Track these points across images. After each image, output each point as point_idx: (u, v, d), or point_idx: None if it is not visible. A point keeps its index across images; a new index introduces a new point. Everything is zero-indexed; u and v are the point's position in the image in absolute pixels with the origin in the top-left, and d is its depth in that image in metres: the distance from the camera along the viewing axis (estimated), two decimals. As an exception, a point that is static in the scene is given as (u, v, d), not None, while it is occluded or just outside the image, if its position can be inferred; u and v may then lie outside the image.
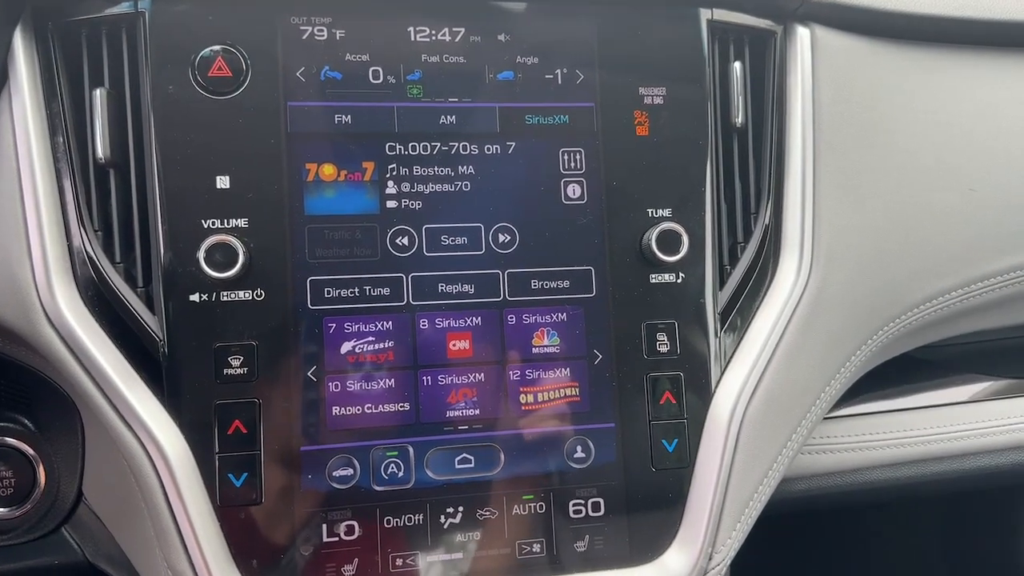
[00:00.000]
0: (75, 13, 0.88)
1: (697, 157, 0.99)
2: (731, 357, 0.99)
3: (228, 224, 0.88)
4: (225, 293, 0.87)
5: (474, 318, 0.92)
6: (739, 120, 1.03)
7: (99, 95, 0.88)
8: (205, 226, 0.87)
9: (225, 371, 0.90)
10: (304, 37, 0.93)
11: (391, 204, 0.96)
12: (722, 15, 1.01)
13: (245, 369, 0.90)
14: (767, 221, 1.03)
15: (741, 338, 1.00)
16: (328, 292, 0.91)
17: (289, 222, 0.89)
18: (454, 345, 0.95)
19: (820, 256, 1.01)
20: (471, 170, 0.95)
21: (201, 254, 0.86)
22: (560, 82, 0.97)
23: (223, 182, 0.89)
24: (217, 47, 0.89)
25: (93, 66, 0.90)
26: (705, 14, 1.00)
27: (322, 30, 0.93)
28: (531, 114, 0.96)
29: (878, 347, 1.11)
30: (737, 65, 1.03)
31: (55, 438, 1.01)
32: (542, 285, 0.95)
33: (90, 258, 0.87)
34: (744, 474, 1.00)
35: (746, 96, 1.03)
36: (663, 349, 0.97)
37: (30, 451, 1.02)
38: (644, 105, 0.98)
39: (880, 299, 1.07)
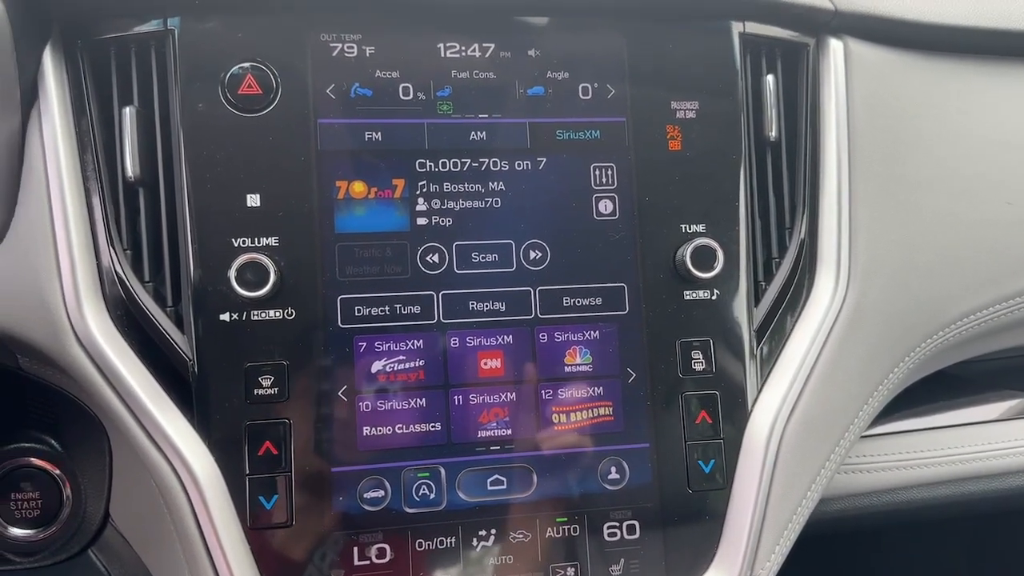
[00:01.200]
0: (104, 31, 0.88)
1: (730, 171, 0.97)
2: (768, 375, 0.97)
3: (259, 243, 0.87)
4: (256, 312, 0.86)
5: (505, 336, 0.90)
6: (772, 134, 1.01)
7: (128, 113, 0.87)
8: (236, 244, 0.86)
9: (256, 391, 0.89)
10: (334, 54, 0.91)
11: (421, 221, 0.94)
12: (754, 28, 1.00)
13: (275, 389, 0.89)
14: (802, 236, 1.01)
15: (778, 356, 0.98)
16: (359, 311, 0.89)
17: (320, 240, 0.88)
18: (485, 364, 0.94)
19: (857, 271, 0.98)
20: (501, 186, 0.93)
21: (232, 273, 0.85)
22: (591, 97, 0.96)
23: (253, 200, 0.88)
24: (247, 64, 0.88)
25: (122, 84, 0.89)
26: (737, 27, 0.99)
27: (352, 47, 0.92)
28: (562, 129, 0.94)
29: (915, 364, 1.08)
30: (770, 78, 1.01)
31: (82, 459, 1.00)
32: (574, 302, 0.93)
33: (119, 277, 0.86)
34: (783, 495, 0.97)
35: (779, 109, 1.02)
36: (698, 368, 0.95)
37: (56, 472, 1.01)
38: (676, 119, 0.97)
39: (917, 315, 1.04)
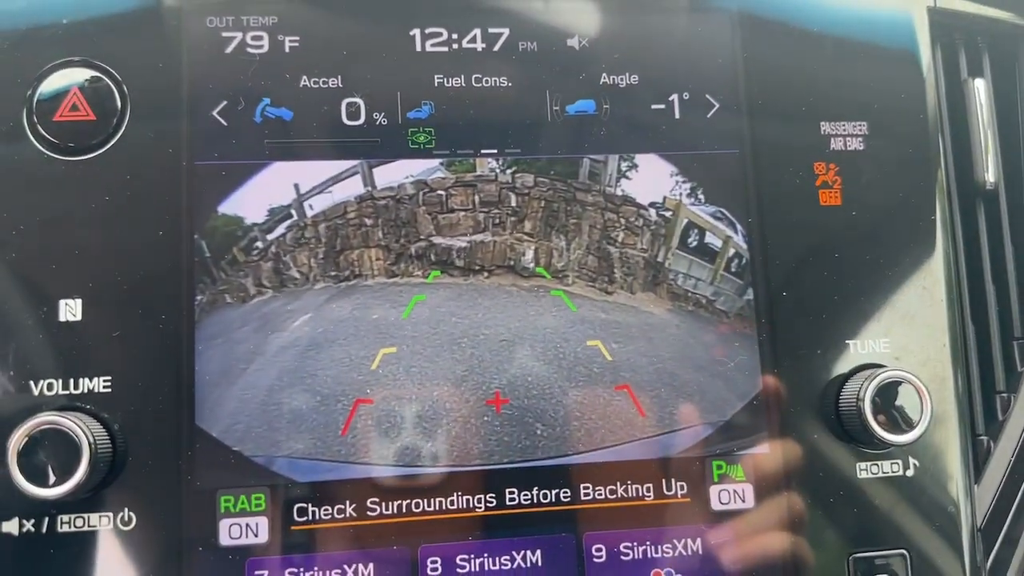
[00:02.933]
0: None
1: (925, 244, 0.65)
2: None
3: (73, 388, 0.54)
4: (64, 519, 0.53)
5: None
6: (988, 175, 0.69)
7: None
8: (32, 392, 0.54)
9: None
10: (228, 50, 0.59)
11: None
12: (949, 2, 0.69)
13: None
14: None
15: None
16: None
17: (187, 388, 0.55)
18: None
19: None
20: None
21: (12, 457, 0.51)
22: (677, 115, 0.62)
23: (69, 312, 0.55)
24: (70, 72, 0.57)
25: None
26: (925, 1, 0.68)
27: (259, 39, 0.59)
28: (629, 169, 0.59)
29: None
30: (978, 84, 0.70)
31: None
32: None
33: None
34: None
35: (995, 136, 0.70)
36: None
37: None
38: (830, 152, 0.63)
39: None
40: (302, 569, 0.54)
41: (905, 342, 0.61)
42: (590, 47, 0.61)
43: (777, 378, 0.59)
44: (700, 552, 0.56)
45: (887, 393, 0.57)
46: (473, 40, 0.60)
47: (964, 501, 0.61)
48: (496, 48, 0.60)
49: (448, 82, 0.60)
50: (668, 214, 0.60)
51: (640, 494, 0.56)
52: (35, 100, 0.57)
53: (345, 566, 0.54)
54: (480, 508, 0.55)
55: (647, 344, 0.58)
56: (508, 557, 0.56)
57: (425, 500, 0.55)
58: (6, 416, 0.52)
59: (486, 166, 0.59)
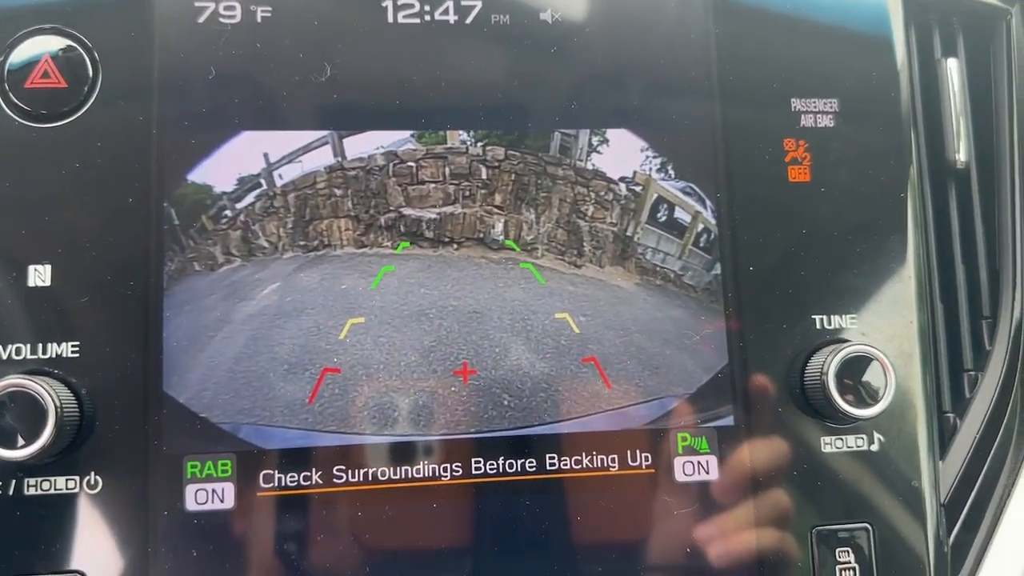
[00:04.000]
0: None
1: (894, 222, 0.64)
2: None
3: (42, 354, 0.54)
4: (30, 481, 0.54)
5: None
6: (960, 155, 0.69)
7: None
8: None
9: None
10: (200, 20, 0.58)
11: None
12: None
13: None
14: (1012, 329, 0.69)
15: (985, 548, 0.63)
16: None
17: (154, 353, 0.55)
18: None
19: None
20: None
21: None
22: (648, 90, 0.62)
23: (39, 277, 0.55)
24: (43, 39, 0.57)
25: None
26: None
27: (232, 7, 0.58)
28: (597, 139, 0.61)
29: None
30: (951, 64, 0.70)
31: None
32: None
33: None
34: None
35: (968, 116, 0.70)
36: None
37: None
38: (801, 129, 0.63)
39: None
40: (268, 535, 0.54)
41: (872, 318, 0.61)
42: (563, 21, 0.61)
43: (743, 352, 0.60)
44: (664, 523, 0.57)
45: (852, 367, 0.58)
46: (445, 12, 0.60)
47: (928, 476, 0.62)
48: (468, 21, 0.60)
49: (420, 54, 0.60)
50: (638, 189, 0.60)
51: (605, 464, 0.57)
52: (6, 68, 0.57)
53: (311, 532, 0.55)
54: (446, 477, 0.56)
55: (615, 317, 0.59)
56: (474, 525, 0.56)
57: (391, 469, 0.55)
58: (-27, 379, 0.53)
59: (457, 138, 0.59)
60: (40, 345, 0.53)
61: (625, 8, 0.62)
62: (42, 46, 0.57)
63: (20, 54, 0.56)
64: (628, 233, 0.60)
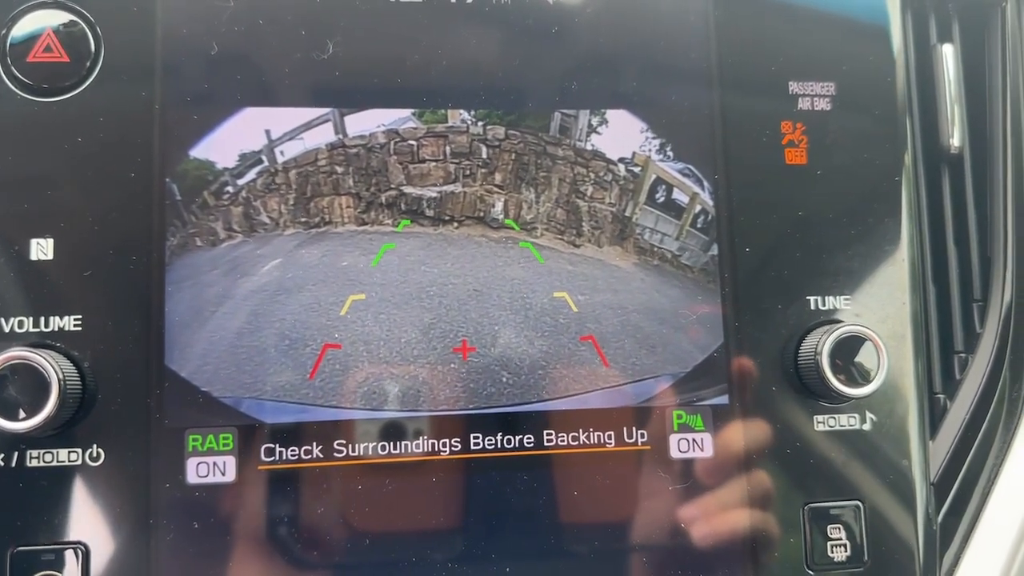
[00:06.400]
0: None
1: (889, 205, 0.64)
2: (958, 561, 0.64)
3: (44, 327, 0.54)
4: (33, 453, 0.54)
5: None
6: (954, 141, 0.70)
7: None
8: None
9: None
10: None
11: None
12: None
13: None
14: (1003, 313, 0.69)
15: (973, 527, 0.64)
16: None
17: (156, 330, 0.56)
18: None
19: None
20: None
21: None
22: (648, 73, 0.62)
23: (41, 251, 0.55)
24: (44, 14, 0.57)
25: None
26: None
27: None
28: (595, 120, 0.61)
29: None
30: (947, 50, 0.70)
31: None
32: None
33: None
34: None
35: (962, 102, 0.71)
36: (839, 555, 0.59)
37: None
38: (798, 112, 0.63)
39: None
40: (269, 508, 0.55)
41: (866, 300, 0.62)
42: (564, 2, 0.61)
43: (738, 332, 0.60)
44: (658, 498, 0.58)
45: (845, 347, 0.59)
46: (442, -9, 0.60)
47: (918, 456, 0.62)
48: (470, 0, 0.61)
49: (421, 33, 0.60)
50: (637, 169, 0.61)
51: (602, 441, 0.57)
52: (8, 41, 0.57)
53: (311, 506, 0.55)
54: (445, 452, 0.56)
55: (612, 296, 0.59)
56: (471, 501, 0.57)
57: (391, 443, 0.56)
58: (-24, 352, 0.53)
59: (458, 117, 0.59)
60: (43, 318, 0.54)
61: (626, -10, 0.63)
62: (44, 20, 0.57)
63: (23, 28, 0.56)
64: (627, 213, 0.60)
